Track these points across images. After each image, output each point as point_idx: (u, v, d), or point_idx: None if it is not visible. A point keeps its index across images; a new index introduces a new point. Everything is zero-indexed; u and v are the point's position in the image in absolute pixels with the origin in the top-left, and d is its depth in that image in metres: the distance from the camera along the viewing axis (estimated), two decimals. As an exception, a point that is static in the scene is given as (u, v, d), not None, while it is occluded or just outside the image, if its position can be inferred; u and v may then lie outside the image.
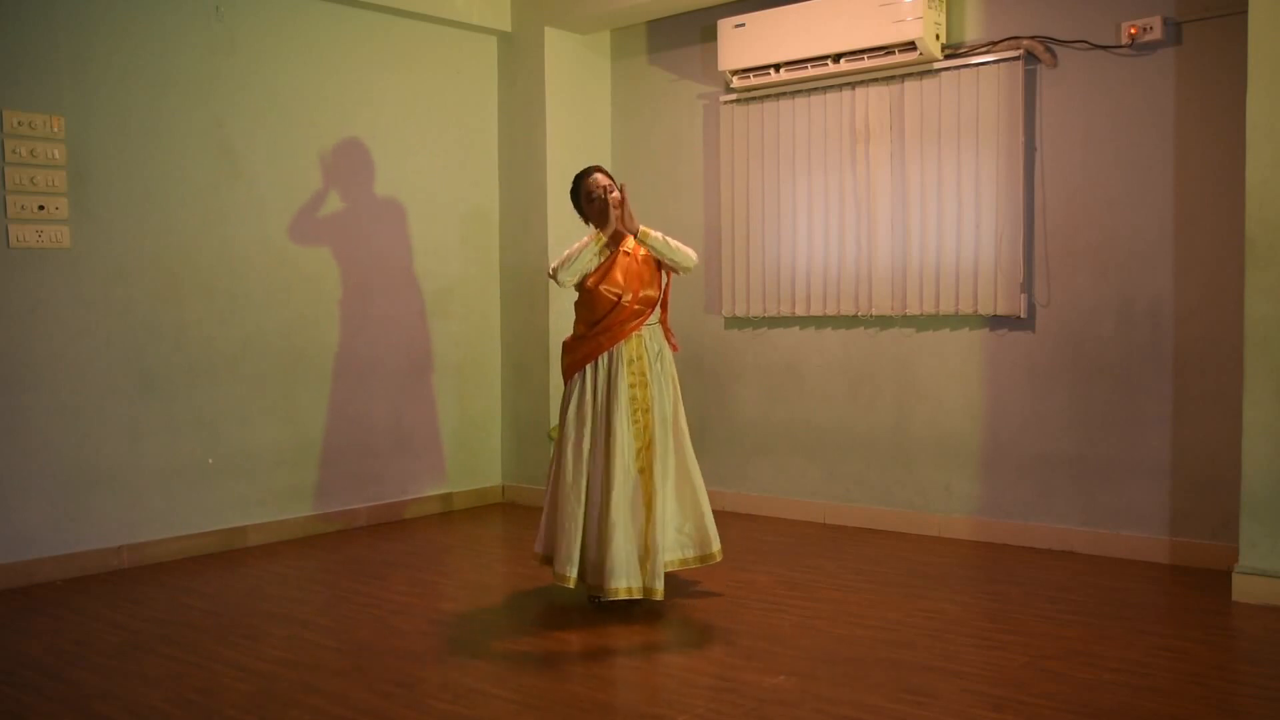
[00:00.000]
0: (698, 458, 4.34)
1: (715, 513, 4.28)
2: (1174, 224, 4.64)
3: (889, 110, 5.33)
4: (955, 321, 5.24)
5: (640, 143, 6.40)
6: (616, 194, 4.20)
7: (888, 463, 5.47)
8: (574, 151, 6.31)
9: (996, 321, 5.11)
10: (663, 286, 4.29)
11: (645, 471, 4.09)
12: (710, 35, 5.90)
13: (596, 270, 4.16)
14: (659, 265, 4.26)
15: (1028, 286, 5.00)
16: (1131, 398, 4.75)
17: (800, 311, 5.68)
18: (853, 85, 5.43)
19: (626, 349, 4.17)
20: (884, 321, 5.46)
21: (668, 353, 4.29)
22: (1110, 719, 2.98)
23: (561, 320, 6.25)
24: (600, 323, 4.18)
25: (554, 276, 4.14)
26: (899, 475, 5.44)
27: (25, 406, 4.61)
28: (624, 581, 3.99)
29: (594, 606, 4.11)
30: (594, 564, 4.07)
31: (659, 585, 4.01)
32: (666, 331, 4.34)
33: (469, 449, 6.32)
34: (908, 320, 5.38)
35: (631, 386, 4.14)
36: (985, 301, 5.08)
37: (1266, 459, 4.04)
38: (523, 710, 3.12)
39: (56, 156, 4.68)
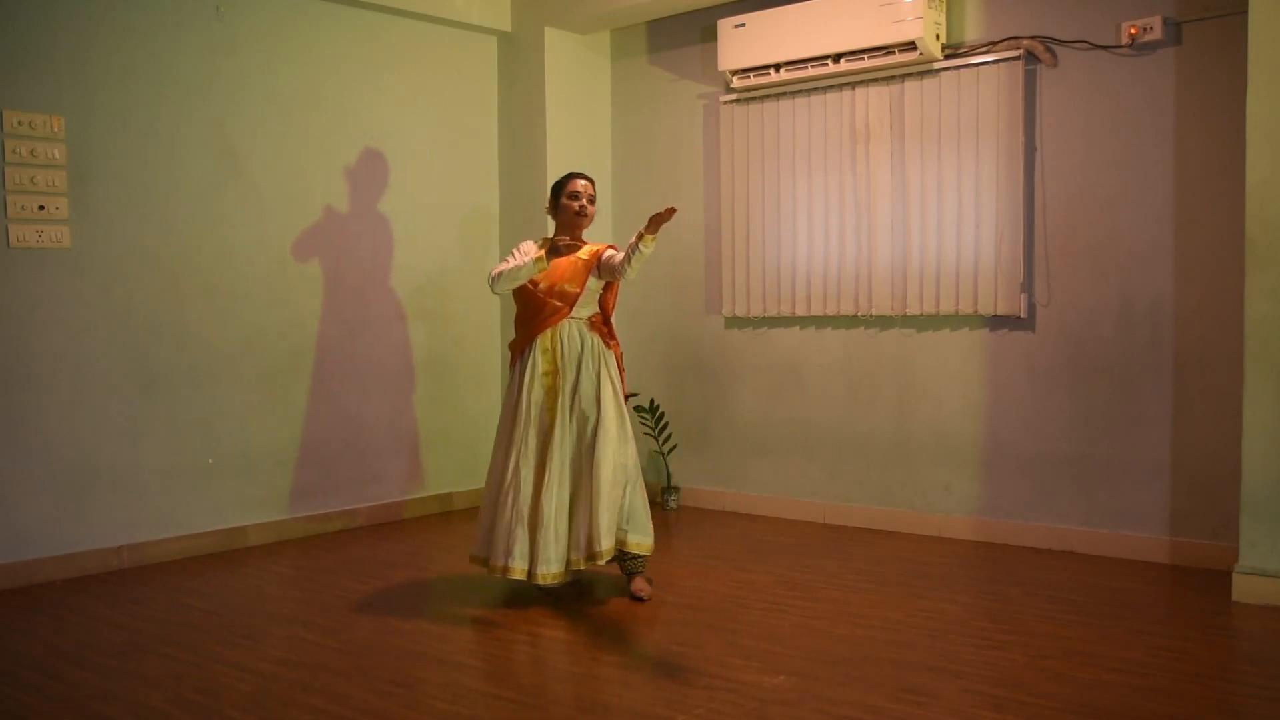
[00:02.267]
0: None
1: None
2: (1174, 224, 4.64)
3: (889, 110, 5.33)
4: (955, 321, 5.24)
5: (640, 143, 6.40)
6: (590, 209, 4.26)
7: (888, 463, 5.47)
8: (574, 151, 6.31)
9: (996, 321, 5.11)
10: (591, 290, 4.27)
11: (561, 460, 4.15)
12: (710, 35, 5.90)
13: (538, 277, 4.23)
14: (593, 267, 4.24)
15: (1028, 286, 5.00)
16: (1131, 398, 4.75)
17: (800, 311, 5.68)
18: (853, 85, 5.43)
19: (541, 340, 4.23)
20: (884, 321, 5.46)
21: (607, 353, 4.30)
22: (1110, 719, 2.98)
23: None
24: (522, 315, 4.31)
25: (491, 283, 4.15)
26: (899, 475, 5.44)
27: (25, 406, 4.61)
28: (553, 567, 4.10)
29: (541, 594, 4.25)
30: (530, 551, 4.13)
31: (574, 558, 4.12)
32: (606, 333, 4.34)
33: (469, 449, 6.31)
34: (908, 320, 5.38)
35: (545, 374, 4.21)
36: (985, 301, 5.08)
37: (1266, 459, 4.04)
38: (523, 710, 3.12)
39: (56, 156, 4.68)
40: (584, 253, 4.24)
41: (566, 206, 4.29)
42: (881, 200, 5.38)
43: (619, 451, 4.18)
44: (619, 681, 3.40)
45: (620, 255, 4.14)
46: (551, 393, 4.21)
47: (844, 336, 5.59)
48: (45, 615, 4.16)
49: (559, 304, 4.23)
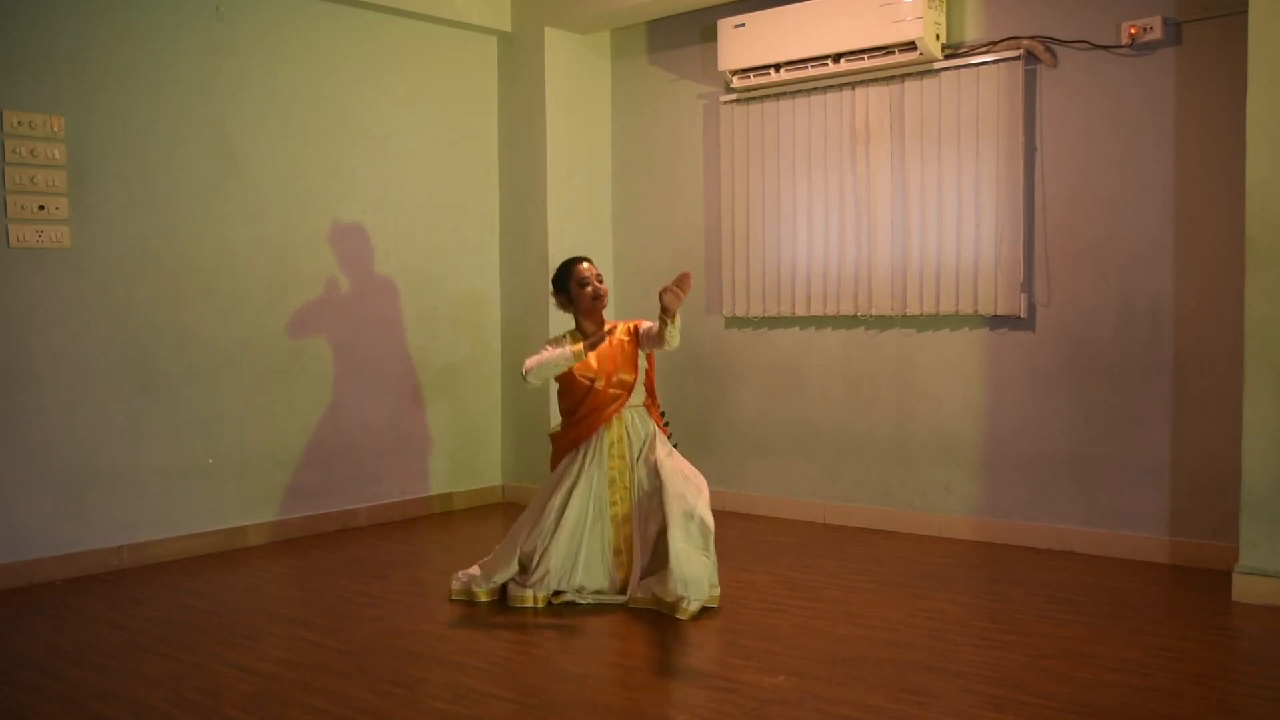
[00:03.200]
0: (698, 457, 4.34)
1: (715, 512, 4.26)
2: (1174, 224, 4.64)
3: (889, 110, 5.33)
4: (955, 321, 5.24)
5: (640, 143, 6.40)
6: (604, 289, 4.20)
7: (888, 463, 5.47)
8: (574, 151, 6.31)
9: (996, 321, 5.11)
10: (641, 370, 4.21)
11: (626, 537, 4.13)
12: (710, 35, 5.90)
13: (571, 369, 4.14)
14: (637, 347, 4.19)
15: (1028, 286, 5.00)
16: (1131, 398, 4.75)
17: (800, 311, 5.68)
18: (853, 85, 5.43)
19: (608, 434, 4.16)
20: (884, 321, 5.45)
21: (661, 436, 4.23)
22: (1110, 719, 2.98)
23: (561, 320, 6.25)
24: (578, 410, 4.18)
25: (524, 376, 4.06)
26: (899, 475, 5.44)
27: (25, 406, 4.61)
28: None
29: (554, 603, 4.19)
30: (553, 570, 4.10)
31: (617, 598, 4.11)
32: (655, 415, 4.29)
33: (468, 449, 6.32)
34: (908, 320, 5.38)
35: (612, 469, 4.14)
36: (985, 301, 5.08)
37: (1266, 459, 4.04)
38: (523, 710, 3.12)
39: (56, 156, 4.68)
40: (621, 333, 4.19)
41: (580, 295, 4.18)
42: (881, 200, 5.38)
43: (688, 500, 4.06)
44: (619, 681, 3.40)
45: (655, 327, 4.06)
46: (620, 487, 4.13)
47: (844, 336, 5.59)
48: (45, 615, 4.16)
49: (618, 392, 4.16)
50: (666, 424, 4.40)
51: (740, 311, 5.92)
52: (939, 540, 5.21)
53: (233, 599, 4.38)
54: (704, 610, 4.00)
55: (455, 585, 4.29)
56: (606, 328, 4.21)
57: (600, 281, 4.20)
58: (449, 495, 6.22)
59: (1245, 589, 4.07)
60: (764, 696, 3.18)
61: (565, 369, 4.09)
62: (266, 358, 5.38)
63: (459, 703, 3.17)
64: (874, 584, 4.42)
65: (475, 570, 4.30)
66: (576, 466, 4.18)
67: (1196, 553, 4.58)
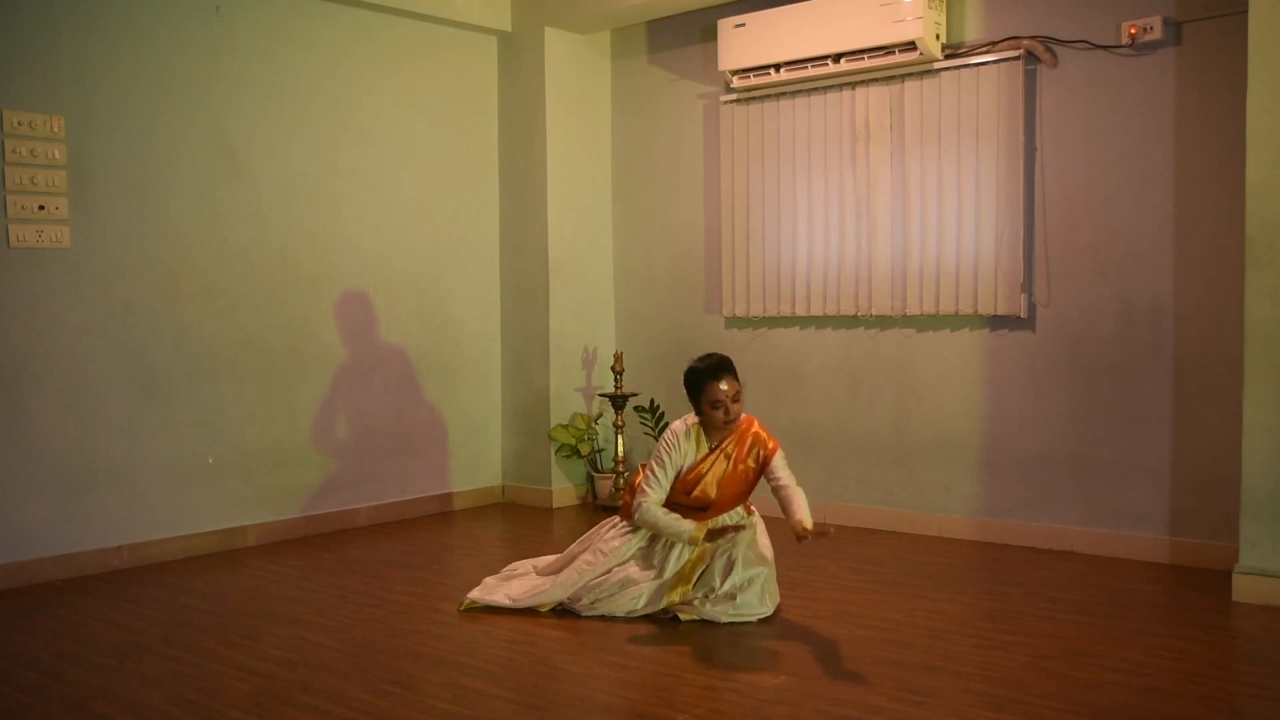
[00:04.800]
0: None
1: None
2: (1174, 224, 4.64)
3: (889, 110, 5.33)
4: (955, 321, 5.24)
5: (640, 143, 6.40)
6: (736, 409, 3.83)
7: (888, 463, 5.47)
8: (574, 151, 6.31)
9: (996, 321, 5.11)
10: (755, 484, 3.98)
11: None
12: (710, 35, 5.90)
13: (687, 473, 3.89)
14: (759, 475, 3.92)
15: (1028, 286, 5.00)
16: (1131, 398, 4.75)
17: (800, 311, 5.68)
18: (853, 85, 5.43)
19: (695, 529, 3.86)
20: (884, 322, 5.45)
21: (750, 520, 4.05)
22: (1110, 719, 2.98)
23: (562, 320, 6.27)
24: (681, 503, 3.94)
25: (634, 510, 3.87)
26: (899, 475, 5.44)
27: (25, 406, 4.61)
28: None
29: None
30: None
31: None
32: (748, 505, 4.14)
33: (469, 449, 6.32)
34: (908, 320, 5.37)
35: (688, 560, 3.96)
36: (985, 301, 5.08)
37: (1266, 459, 4.04)
38: (523, 710, 3.12)
39: (56, 156, 4.68)
40: (750, 457, 3.90)
41: (710, 415, 3.84)
42: (881, 200, 5.38)
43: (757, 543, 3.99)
44: (619, 681, 3.40)
45: (783, 489, 3.83)
46: (684, 582, 3.93)
47: (844, 336, 5.59)
48: (45, 615, 4.16)
49: (723, 504, 3.96)
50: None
51: (740, 311, 5.92)
52: (939, 540, 5.21)
53: (233, 599, 4.38)
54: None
55: (477, 597, 4.15)
56: (740, 427, 3.93)
57: (736, 399, 3.83)
58: (449, 495, 6.22)
59: (1245, 589, 4.07)
60: (764, 696, 3.18)
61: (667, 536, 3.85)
62: (266, 358, 5.37)
63: (459, 703, 3.17)
64: (874, 584, 4.42)
65: (504, 600, 4.10)
66: (653, 545, 3.99)
67: (1196, 553, 4.58)
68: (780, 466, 3.89)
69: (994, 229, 5.04)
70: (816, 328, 5.69)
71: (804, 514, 3.70)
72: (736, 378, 3.87)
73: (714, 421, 3.85)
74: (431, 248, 6.09)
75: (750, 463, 3.90)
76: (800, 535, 3.63)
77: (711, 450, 3.91)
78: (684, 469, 3.90)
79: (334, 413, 5.66)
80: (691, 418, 3.96)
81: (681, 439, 3.90)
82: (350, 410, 5.73)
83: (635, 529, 4.00)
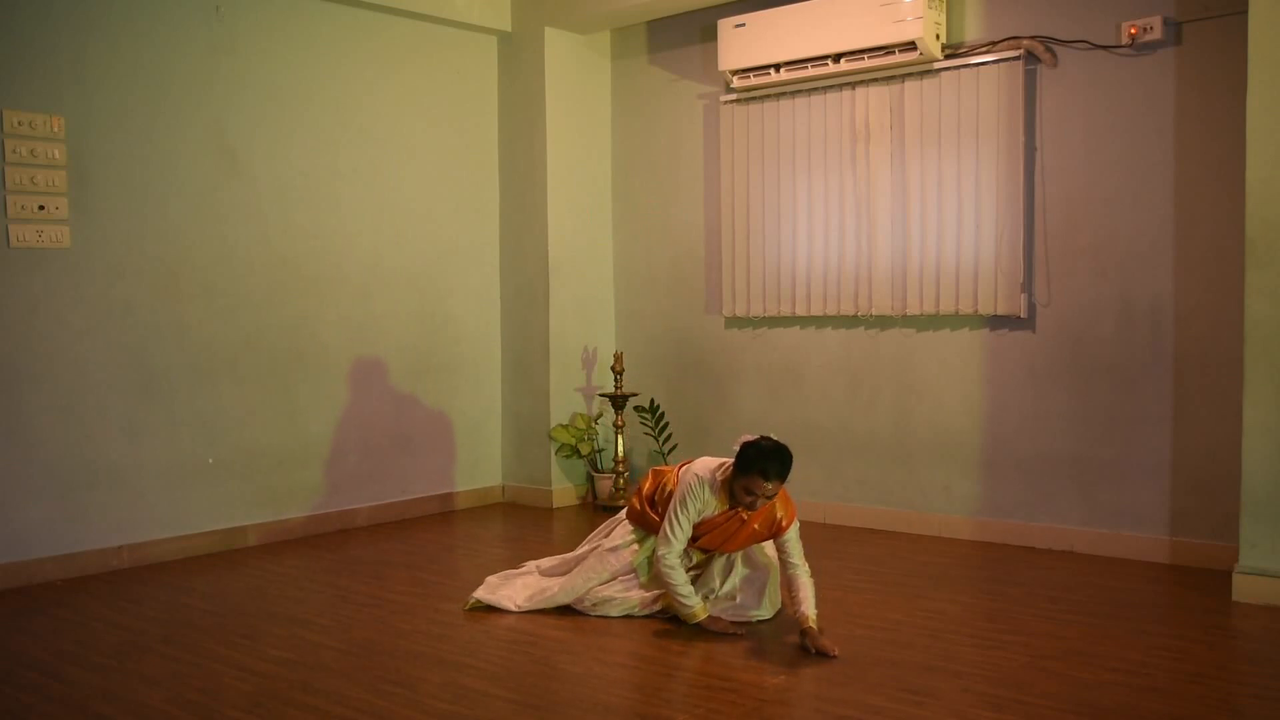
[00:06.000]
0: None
1: None
2: (1174, 224, 4.64)
3: (889, 110, 5.33)
4: (955, 321, 5.24)
5: (640, 143, 6.40)
6: (762, 503, 3.71)
7: (888, 463, 5.47)
8: (574, 151, 6.31)
9: (996, 321, 5.11)
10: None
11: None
12: (710, 35, 5.90)
13: (700, 522, 3.87)
14: (771, 536, 3.86)
15: (1028, 286, 5.00)
16: (1131, 398, 4.75)
17: (800, 311, 5.68)
18: (853, 85, 5.43)
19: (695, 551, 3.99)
20: (884, 321, 5.45)
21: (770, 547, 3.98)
22: (1110, 719, 2.98)
23: (562, 320, 6.27)
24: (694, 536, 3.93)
25: (658, 558, 3.83)
26: (899, 475, 5.44)
27: (25, 406, 4.61)
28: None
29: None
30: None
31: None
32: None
33: (469, 449, 6.32)
34: (908, 320, 5.37)
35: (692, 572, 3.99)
36: (985, 301, 5.08)
37: (1266, 459, 4.04)
38: (523, 710, 3.12)
39: (56, 156, 4.68)
40: (763, 524, 3.81)
41: (741, 497, 3.71)
42: (881, 200, 5.38)
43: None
44: (619, 681, 3.40)
45: (791, 568, 3.76)
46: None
47: (844, 336, 5.59)
48: (45, 615, 4.16)
49: (727, 551, 3.97)
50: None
51: (740, 311, 5.91)
52: (939, 540, 5.21)
53: (232, 599, 4.38)
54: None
55: (481, 597, 4.16)
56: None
57: (771, 497, 3.71)
58: (449, 495, 6.22)
59: (1245, 589, 4.07)
60: (764, 696, 3.18)
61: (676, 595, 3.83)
62: (266, 357, 5.37)
63: (459, 703, 3.17)
64: (874, 584, 4.42)
65: (509, 604, 4.11)
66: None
67: (1196, 553, 4.58)
68: (793, 542, 3.80)
69: (994, 229, 5.04)
70: (816, 328, 5.69)
71: (809, 607, 3.65)
72: (785, 480, 3.72)
73: (740, 501, 3.74)
74: (431, 248, 6.09)
75: (759, 527, 3.82)
76: (804, 631, 3.60)
77: (729, 508, 3.84)
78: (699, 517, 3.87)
79: (334, 412, 5.65)
80: (720, 469, 3.86)
81: (706, 490, 3.83)
82: (350, 410, 5.72)
83: (641, 540, 4.04)
